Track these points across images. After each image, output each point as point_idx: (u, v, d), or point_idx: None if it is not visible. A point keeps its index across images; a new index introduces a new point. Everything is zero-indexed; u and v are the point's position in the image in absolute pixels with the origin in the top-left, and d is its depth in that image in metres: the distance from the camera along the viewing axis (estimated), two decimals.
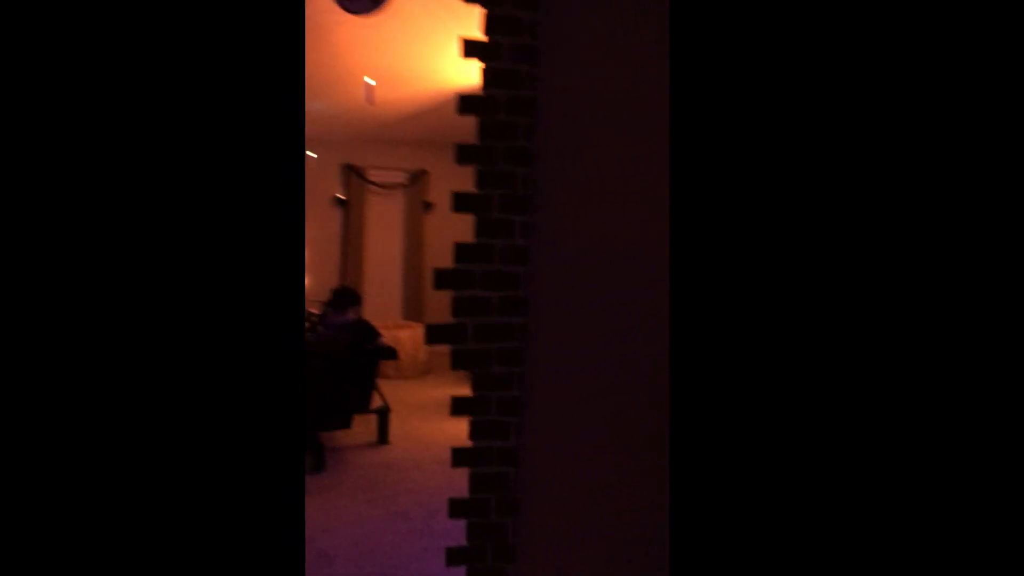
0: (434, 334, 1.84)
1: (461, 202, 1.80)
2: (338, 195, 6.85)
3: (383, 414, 4.11)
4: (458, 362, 1.83)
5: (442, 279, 1.82)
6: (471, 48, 1.75)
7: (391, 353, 3.82)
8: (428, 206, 7.09)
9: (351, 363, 3.69)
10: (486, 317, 1.83)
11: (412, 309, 7.07)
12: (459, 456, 1.83)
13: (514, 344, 1.84)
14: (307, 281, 6.78)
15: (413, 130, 6.16)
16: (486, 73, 1.75)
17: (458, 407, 1.82)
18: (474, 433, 1.84)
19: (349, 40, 3.83)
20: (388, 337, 5.82)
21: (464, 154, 1.79)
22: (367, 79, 3.79)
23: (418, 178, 7.02)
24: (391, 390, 5.18)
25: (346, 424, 3.79)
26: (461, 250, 1.81)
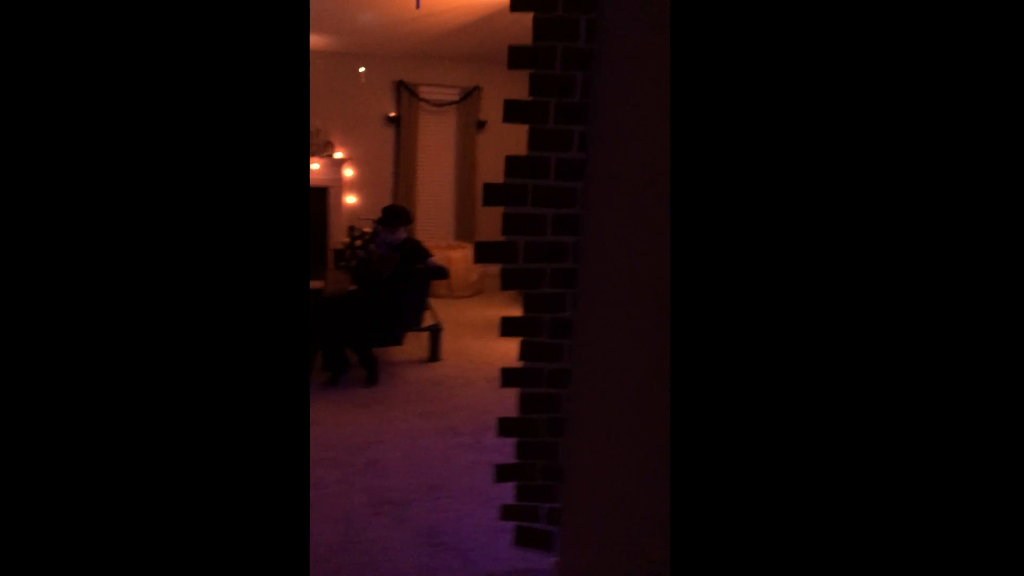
0: (483, 252, 1.77)
1: (514, 111, 1.68)
2: (389, 113, 6.72)
3: (435, 332, 4.15)
4: (508, 282, 1.77)
5: (492, 194, 1.74)
6: None
7: (442, 272, 3.81)
8: (481, 124, 6.89)
9: (402, 281, 3.70)
10: (539, 235, 1.74)
11: (464, 229, 7.02)
12: (508, 376, 1.80)
13: (568, 264, 1.76)
14: (359, 200, 6.80)
15: (465, 44, 5.91)
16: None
17: (508, 327, 1.78)
18: (524, 354, 1.80)
19: None
20: (439, 257, 5.83)
21: (518, 57, 1.66)
22: None
23: (471, 95, 6.80)
24: (443, 309, 5.23)
25: (398, 341, 3.84)
26: (513, 163, 1.71)
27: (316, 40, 5.91)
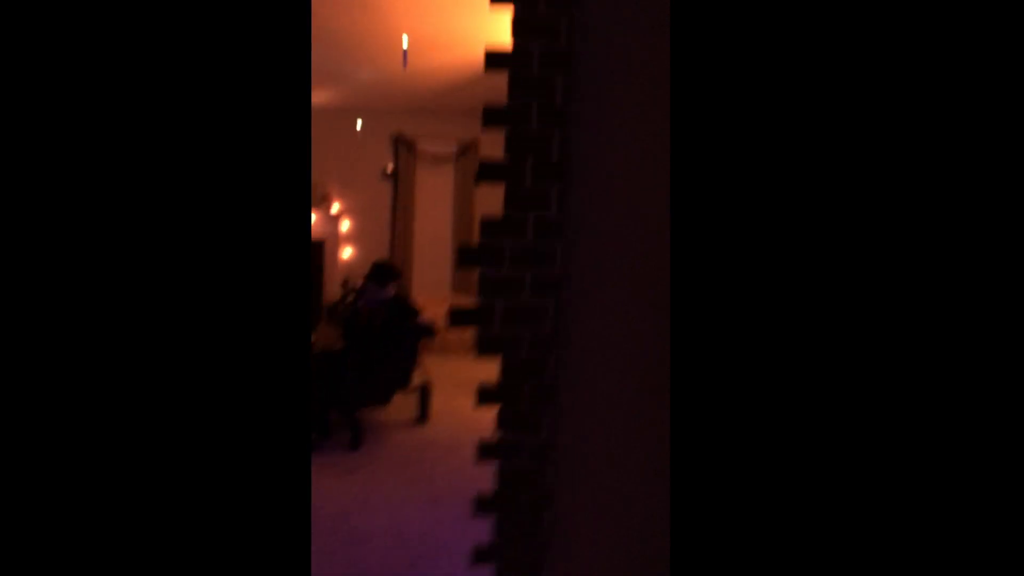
0: (459, 317, 1.67)
1: (488, 172, 1.61)
2: (387, 166, 6.75)
3: (424, 391, 4.02)
4: (484, 347, 1.66)
5: (467, 256, 1.65)
6: None
7: (429, 331, 3.70)
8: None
9: (389, 339, 3.60)
10: (517, 299, 1.65)
11: (461, 282, 6.96)
12: (486, 450, 1.68)
13: (548, 328, 1.65)
14: (355, 253, 6.76)
15: (462, 99, 5.97)
16: (517, 23, 1.54)
17: (485, 396, 1.66)
18: (502, 424, 1.68)
19: (391, 3, 3.65)
20: (434, 313, 5.73)
21: (492, 116, 1.60)
22: (404, 39, 3.62)
23: (468, 149, 6.84)
24: (436, 366, 5.10)
25: (384, 401, 3.71)
26: (489, 225, 1.63)
27: (314, 95, 5.98)
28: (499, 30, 4.02)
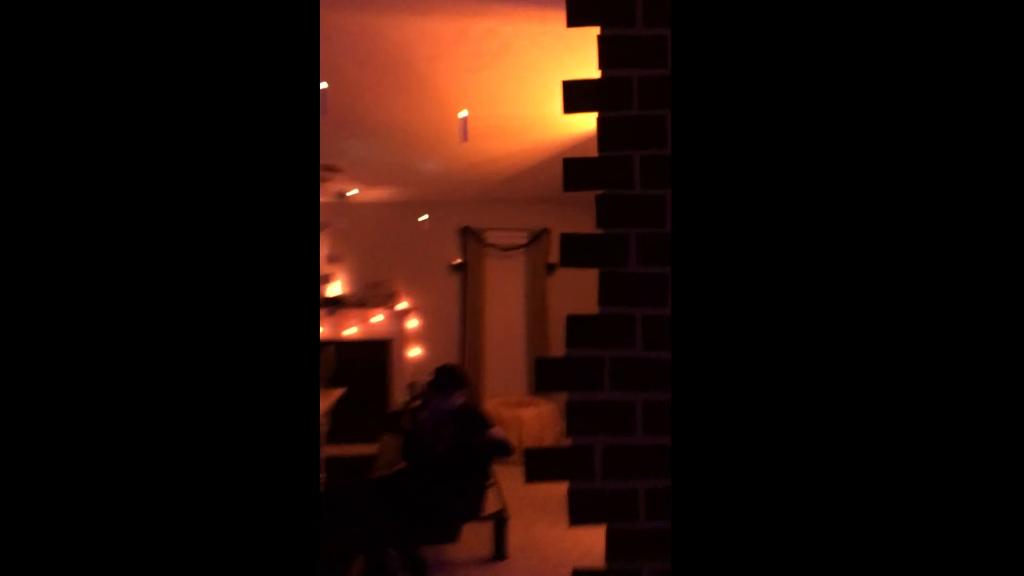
0: (540, 464, 1.14)
1: (574, 251, 1.13)
2: (455, 260, 6.46)
3: (499, 521, 3.39)
4: (582, 513, 1.11)
5: (549, 375, 1.14)
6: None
7: (504, 449, 3.11)
8: (551, 267, 6.48)
9: (456, 461, 3.05)
10: (625, 435, 1.11)
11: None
12: None
13: (667, 480, 1.09)
14: (423, 352, 6.36)
15: (531, 185, 5.67)
16: (606, 44, 1.10)
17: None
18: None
19: (455, 89, 3.39)
20: (508, 419, 5.12)
21: (577, 175, 1.13)
22: (463, 112, 3.37)
23: (539, 237, 6.47)
24: (510, 481, 4.46)
25: (452, 536, 3.08)
26: (578, 325, 1.12)
27: (378, 190, 5.84)
28: (555, 114, 3.68)
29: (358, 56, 3.00)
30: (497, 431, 3.15)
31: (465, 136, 3.31)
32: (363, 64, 3.09)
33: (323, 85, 2.87)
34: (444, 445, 3.05)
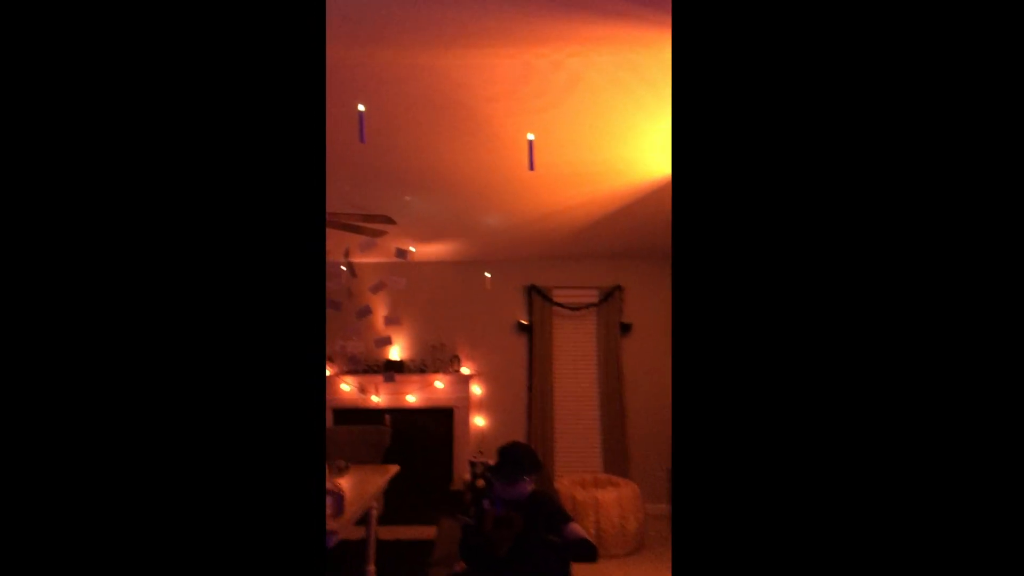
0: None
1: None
2: (521, 320, 6.03)
3: None
4: None
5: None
6: None
7: (588, 552, 2.49)
8: (626, 328, 5.94)
9: (525, 563, 2.52)
10: None
11: (614, 458, 5.71)
12: None
13: None
14: (488, 422, 5.88)
15: (602, 240, 5.23)
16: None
17: None
18: None
19: (518, 133, 3.04)
20: (585, 499, 4.45)
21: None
22: (529, 135, 3.01)
23: (611, 295, 5.98)
24: None
25: None
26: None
27: (440, 247, 5.54)
28: (630, 158, 3.26)
29: (410, 98, 2.70)
30: (577, 528, 2.60)
31: (532, 165, 2.93)
32: (417, 107, 2.78)
33: (360, 107, 2.55)
34: (508, 546, 2.52)
